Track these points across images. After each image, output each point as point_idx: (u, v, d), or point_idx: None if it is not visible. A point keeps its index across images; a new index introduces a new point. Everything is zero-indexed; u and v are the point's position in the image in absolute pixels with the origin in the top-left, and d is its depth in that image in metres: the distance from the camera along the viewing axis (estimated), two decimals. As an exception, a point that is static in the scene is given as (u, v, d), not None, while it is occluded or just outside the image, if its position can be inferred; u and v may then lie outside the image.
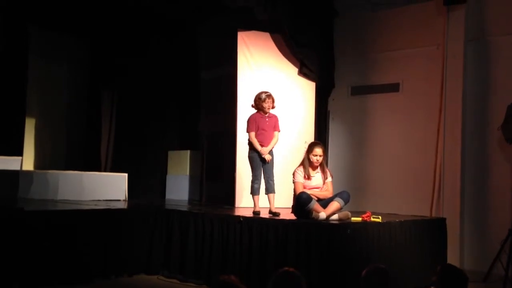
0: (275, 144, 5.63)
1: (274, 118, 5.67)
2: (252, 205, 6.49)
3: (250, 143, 5.59)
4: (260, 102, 5.55)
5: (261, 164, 5.54)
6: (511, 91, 6.43)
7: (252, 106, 5.67)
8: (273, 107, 5.63)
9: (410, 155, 7.35)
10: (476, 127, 6.85)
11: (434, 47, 7.21)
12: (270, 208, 5.52)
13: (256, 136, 5.55)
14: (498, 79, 6.75)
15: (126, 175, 7.46)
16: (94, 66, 8.90)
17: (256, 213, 5.44)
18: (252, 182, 5.58)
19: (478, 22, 6.93)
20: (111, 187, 7.25)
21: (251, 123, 5.58)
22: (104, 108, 8.61)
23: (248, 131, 5.61)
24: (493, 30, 6.83)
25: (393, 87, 7.63)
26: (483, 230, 6.67)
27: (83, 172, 7.30)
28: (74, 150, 8.77)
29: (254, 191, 5.57)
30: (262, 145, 5.52)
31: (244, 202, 6.75)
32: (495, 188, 6.64)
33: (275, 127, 5.65)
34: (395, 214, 6.18)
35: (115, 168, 8.13)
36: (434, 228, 5.88)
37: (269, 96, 5.57)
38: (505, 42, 6.70)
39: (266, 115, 5.60)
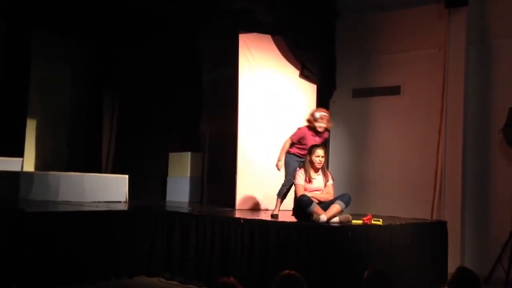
0: None
1: (325, 135, 5.58)
2: (254, 207, 6.49)
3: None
4: (314, 121, 5.43)
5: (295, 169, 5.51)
6: (512, 94, 6.44)
7: (306, 120, 5.54)
8: (327, 127, 5.50)
9: (411, 157, 7.34)
10: (477, 130, 6.85)
11: (436, 50, 7.21)
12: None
13: (298, 148, 5.49)
14: (499, 82, 6.75)
15: (127, 176, 7.46)
16: (96, 68, 8.90)
17: (274, 216, 5.44)
18: (283, 185, 5.61)
19: (479, 25, 6.93)
20: (112, 188, 7.26)
21: (296, 135, 5.50)
22: (105, 109, 8.61)
23: (290, 136, 5.55)
24: (495, 33, 6.83)
25: (395, 90, 7.63)
26: (484, 233, 6.66)
27: (84, 174, 7.30)
28: (75, 151, 8.76)
29: (281, 195, 5.60)
30: (302, 156, 5.43)
31: (245, 204, 6.76)
32: (496, 191, 6.63)
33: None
34: (396, 217, 6.18)
35: (116, 169, 8.13)
36: (435, 231, 5.87)
37: (323, 117, 5.41)
38: (506, 44, 6.70)
39: (318, 134, 5.49)
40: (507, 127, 6.06)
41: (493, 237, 6.46)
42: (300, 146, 5.53)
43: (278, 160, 5.56)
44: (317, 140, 5.51)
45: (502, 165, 6.58)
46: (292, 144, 5.53)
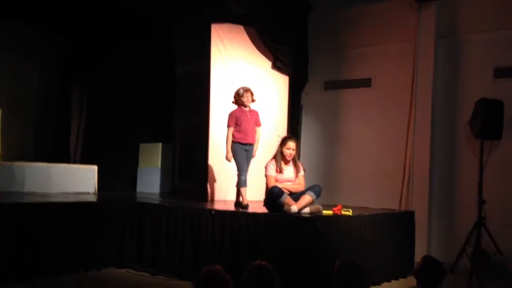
0: (259, 141, 5.79)
1: (255, 113, 5.78)
2: (225, 198, 6.48)
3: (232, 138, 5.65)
4: (239, 97, 5.67)
5: (244, 156, 5.60)
6: (479, 88, 6.59)
7: (233, 102, 5.76)
8: (253, 101, 5.73)
9: (381, 149, 7.46)
10: (445, 122, 7.00)
11: (406, 44, 7.31)
12: (237, 200, 5.66)
13: (239, 131, 5.61)
14: (467, 75, 6.90)
15: (96, 167, 7.33)
16: (66, 59, 8.67)
17: (244, 206, 5.45)
18: (239, 175, 5.63)
19: (449, 20, 7.06)
20: (80, 179, 7.12)
21: (231, 119, 5.67)
22: (74, 100, 8.44)
23: (227, 125, 5.70)
24: (463, 28, 6.97)
25: (366, 82, 7.73)
26: (450, 223, 6.83)
27: (51, 164, 7.13)
28: (42, 142, 8.56)
29: (241, 183, 5.61)
30: (245, 140, 5.60)
31: (216, 196, 6.74)
32: (462, 182, 6.80)
33: (257, 122, 5.74)
34: (365, 207, 6.27)
35: (85, 160, 7.98)
36: (403, 221, 5.98)
37: (247, 90, 5.68)
38: (474, 39, 6.85)
39: (247, 109, 5.68)
40: (473, 120, 6.20)
41: (458, 227, 6.63)
42: (238, 129, 5.61)
43: (227, 153, 5.63)
44: (249, 117, 5.66)
45: (468, 157, 6.75)
46: (232, 130, 5.64)
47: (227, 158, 5.66)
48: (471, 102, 6.30)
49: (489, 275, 3.75)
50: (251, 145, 5.70)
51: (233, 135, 5.65)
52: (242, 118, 5.63)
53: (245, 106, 5.67)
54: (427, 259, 3.22)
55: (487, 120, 6.01)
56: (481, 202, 6.06)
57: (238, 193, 5.69)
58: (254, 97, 5.74)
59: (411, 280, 3.98)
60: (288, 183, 5.20)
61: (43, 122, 8.61)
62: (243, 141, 5.62)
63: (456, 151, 6.92)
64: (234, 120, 5.63)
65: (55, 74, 8.74)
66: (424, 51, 7.07)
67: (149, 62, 8.28)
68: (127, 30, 8.06)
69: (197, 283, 2.51)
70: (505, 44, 6.58)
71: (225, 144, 5.68)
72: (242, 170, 5.59)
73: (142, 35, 8.15)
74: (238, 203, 5.58)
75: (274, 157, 5.24)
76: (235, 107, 5.79)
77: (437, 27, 7.03)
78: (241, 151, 5.59)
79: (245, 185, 5.61)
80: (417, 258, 5.61)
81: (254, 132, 5.72)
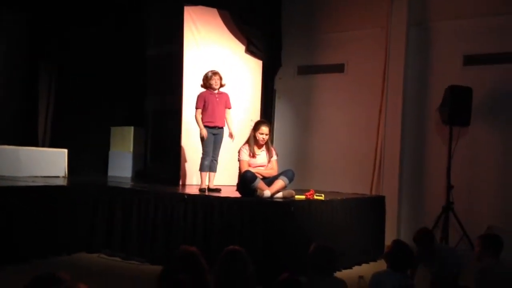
0: (232, 122, 5.75)
1: (225, 95, 5.74)
2: (197, 183, 6.46)
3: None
4: (207, 80, 5.63)
5: (212, 141, 5.56)
6: (449, 75, 6.70)
7: (201, 85, 5.71)
8: (221, 85, 5.69)
9: (354, 134, 7.54)
10: (416, 109, 7.12)
11: (379, 30, 7.37)
12: (209, 185, 5.62)
13: (206, 114, 5.57)
14: (437, 62, 7.01)
15: (66, 150, 7.20)
16: (34, 39, 8.36)
17: (202, 190, 5.43)
18: (202, 158, 5.61)
19: (420, 7, 7.13)
20: (50, 163, 6.98)
21: (199, 100, 5.63)
22: (42, 80, 8.19)
23: (195, 107, 5.66)
24: (434, 15, 7.06)
25: (339, 68, 7.77)
26: (419, 207, 6.99)
27: (20, 147, 6.96)
28: (10, 124, 8.30)
29: (203, 168, 5.59)
30: (212, 123, 5.55)
31: (189, 180, 6.71)
32: (431, 168, 6.95)
33: (226, 105, 5.70)
34: (337, 192, 6.35)
35: (54, 143, 7.81)
36: (374, 206, 6.09)
37: (215, 73, 5.64)
38: (445, 27, 6.95)
39: (215, 92, 5.63)
40: (442, 106, 6.32)
41: (427, 211, 6.79)
42: (206, 112, 5.58)
43: (201, 130, 5.57)
44: (217, 99, 5.64)
45: (437, 143, 6.89)
46: (201, 112, 5.60)
47: (201, 135, 5.56)
48: (441, 89, 6.40)
49: (429, 258, 3.79)
50: (220, 128, 5.66)
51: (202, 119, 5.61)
52: (210, 100, 5.58)
53: (214, 89, 5.63)
54: (396, 243, 3.30)
55: (455, 107, 6.13)
56: (449, 187, 6.22)
57: (209, 178, 5.67)
58: (223, 81, 5.70)
59: (381, 264, 4.05)
60: (261, 168, 5.22)
61: (10, 104, 8.35)
62: (210, 125, 5.57)
63: (426, 137, 7.05)
64: (202, 102, 5.58)
65: (22, 53, 8.45)
66: (396, 38, 7.14)
67: (122, 43, 8.11)
68: (98, 8, 7.85)
69: (172, 261, 2.50)
70: (475, 32, 6.69)
71: (197, 125, 5.63)
72: (206, 154, 5.57)
73: (114, 14, 7.96)
74: (207, 188, 5.56)
75: (247, 142, 5.24)
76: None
77: (409, 13, 7.10)
78: (209, 135, 5.55)
79: (206, 170, 5.58)
80: (387, 242, 5.73)
81: (223, 115, 5.67)
